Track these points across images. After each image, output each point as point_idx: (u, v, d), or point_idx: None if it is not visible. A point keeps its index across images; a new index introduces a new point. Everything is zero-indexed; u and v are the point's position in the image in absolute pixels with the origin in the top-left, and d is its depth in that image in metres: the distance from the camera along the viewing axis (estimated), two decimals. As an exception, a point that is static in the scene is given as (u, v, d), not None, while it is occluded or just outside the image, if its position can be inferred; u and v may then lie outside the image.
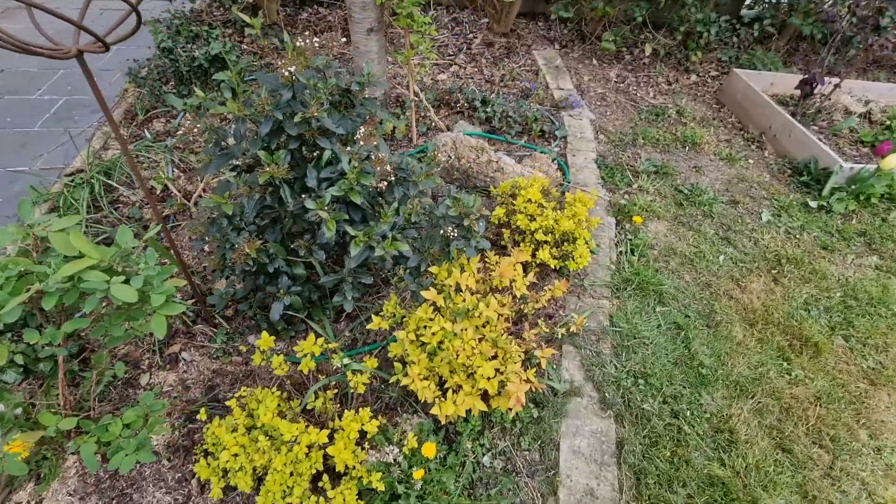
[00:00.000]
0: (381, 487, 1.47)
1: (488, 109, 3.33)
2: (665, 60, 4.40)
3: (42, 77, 3.54)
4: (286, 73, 1.33)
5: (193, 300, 2.03)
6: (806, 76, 3.56)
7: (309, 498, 1.47)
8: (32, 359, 1.42)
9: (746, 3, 4.63)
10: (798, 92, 3.62)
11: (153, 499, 1.59)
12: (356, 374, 1.65)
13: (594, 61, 4.35)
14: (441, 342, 1.64)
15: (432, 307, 1.72)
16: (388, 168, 1.46)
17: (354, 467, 1.51)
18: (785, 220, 2.91)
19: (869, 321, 2.35)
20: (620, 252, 2.58)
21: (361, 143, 1.40)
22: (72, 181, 2.48)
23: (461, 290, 1.76)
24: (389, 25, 3.51)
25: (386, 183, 1.47)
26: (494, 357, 1.76)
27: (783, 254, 2.66)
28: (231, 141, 1.48)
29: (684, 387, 1.99)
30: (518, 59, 4.23)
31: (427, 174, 1.62)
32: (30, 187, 2.33)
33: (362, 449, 1.61)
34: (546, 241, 2.20)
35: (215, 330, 2.02)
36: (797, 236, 2.81)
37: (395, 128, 3.11)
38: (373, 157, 1.42)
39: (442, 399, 1.62)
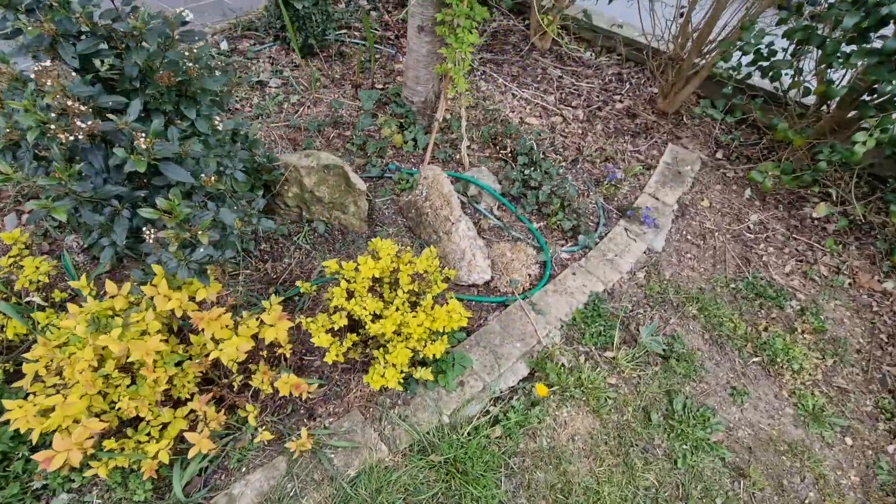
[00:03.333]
0: None
1: (526, 172, 2.71)
2: (856, 236, 2.97)
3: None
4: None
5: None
6: None
7: None
8: None
9: None
10: None
11: None
12: None
13: (746, 192, 3.19)
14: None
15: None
16: None
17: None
18: (802, 556, 1.69)
19: None
20: (485, 412, 1.83)
21: None
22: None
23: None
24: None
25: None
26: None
27: None
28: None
29: None
30: (643, 144, 3.35)
31: None
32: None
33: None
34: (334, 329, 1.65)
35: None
36: None
37: (405, 140, 2.77)
38: None
39: None
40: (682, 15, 3.40)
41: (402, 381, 1.65)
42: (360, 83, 3.21)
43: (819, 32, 2.49)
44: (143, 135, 1.25)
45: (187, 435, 1.39)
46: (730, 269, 2.68)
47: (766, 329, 2.39)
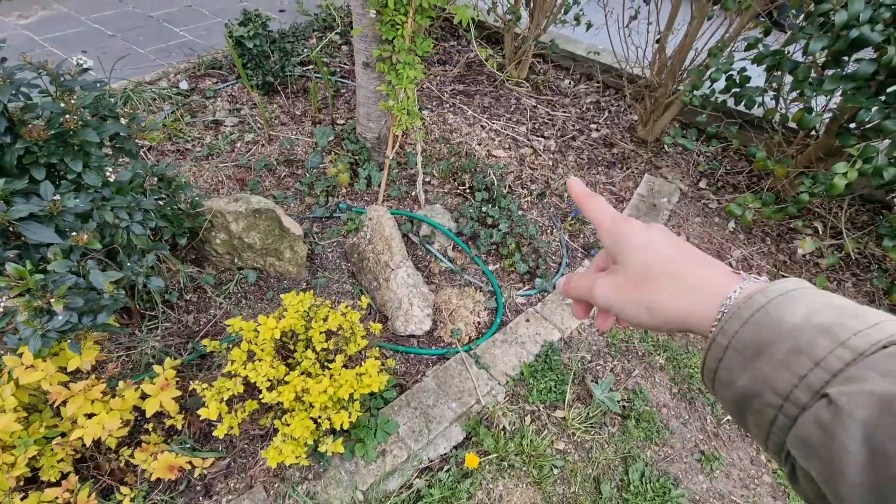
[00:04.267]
0: None
1: (484, 209, 2.56)
2: (853, 271, 2.73)
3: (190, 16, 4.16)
4: None
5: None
6: None
7: None
8: None
9: None
10: None
11: None
12: None
13: (730, 224, 2.98)
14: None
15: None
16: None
17: None
18: None
19: None
20: (408, 486, 1.63)
21: None
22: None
23: None
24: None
25: None
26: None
27: None
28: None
29: None
30: (618, 175, 3.18)
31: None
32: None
33: None
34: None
35: None
36: None
37: (354, 178, 2.66)
38: None
39: None
40: (658, 41, 3.28)
41: (307, 454, 1.48)
42: (321, 120, 3.14)
43: (792, 57, 2.32)
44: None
45: (41, 526, 1.24)
46: (707, 311, 2.45)
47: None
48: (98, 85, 1.60)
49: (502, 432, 1.79)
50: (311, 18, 4.09)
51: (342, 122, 3.17)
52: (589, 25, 3.61)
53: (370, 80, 2.48)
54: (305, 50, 3.62)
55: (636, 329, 2.27)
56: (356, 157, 2.77)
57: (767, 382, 0.32)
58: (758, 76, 2.58)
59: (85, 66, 1.58)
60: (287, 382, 1.48)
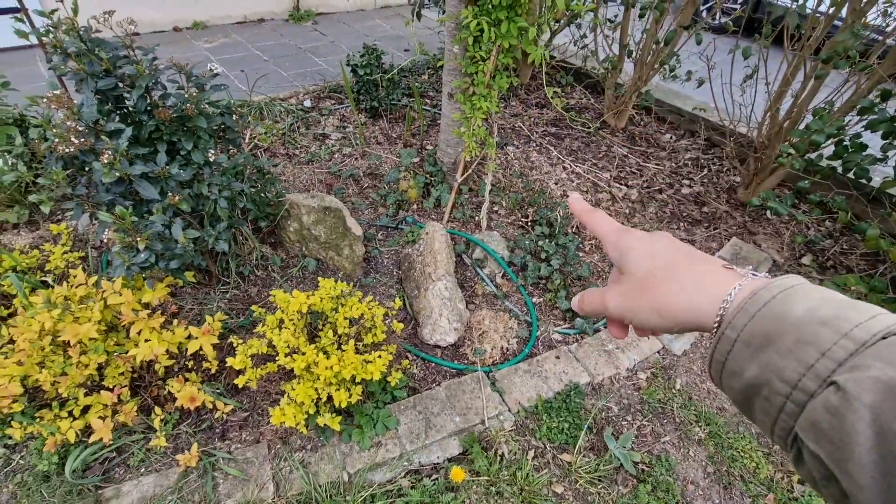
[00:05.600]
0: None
1: (540, 243, 2.58)
2: None
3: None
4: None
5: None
6: None
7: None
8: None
9: None
10: None
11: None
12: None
13: (829, 306, 2.60)
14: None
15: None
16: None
17: None
18: None
19: None
20: (392, 481, 1.67)
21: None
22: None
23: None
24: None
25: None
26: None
27: None
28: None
29: None
30: (700, 234, 2.98)
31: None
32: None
33: None
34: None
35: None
36: None
37: (422, 196, 2.85)
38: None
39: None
40: (771, 102, 3.07)
41: (307, 423, 1.62)
42: (412, 143, 3.43)
43: (914, 124, 2.05)
44: (109, 152, 1.50)
45: (92, 421, 1.52)
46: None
47: (803, 482, 1.84)
48: (223, 87, 2.00)
49: (499, 458, 1.75)
50: (428, 58, 4.53)
51: (430, 147, 3.43)
52: (701, 82, 3.50)
53: (452, 109, 2.70)
54: (416, 84, 4.01)
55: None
56: (432, 178, 2.98)
57: (776, 371, 0.33)
58: (879, 145, 2.30)
59: (215, 71, 2.00)
60: (304, 354, 1.65)
